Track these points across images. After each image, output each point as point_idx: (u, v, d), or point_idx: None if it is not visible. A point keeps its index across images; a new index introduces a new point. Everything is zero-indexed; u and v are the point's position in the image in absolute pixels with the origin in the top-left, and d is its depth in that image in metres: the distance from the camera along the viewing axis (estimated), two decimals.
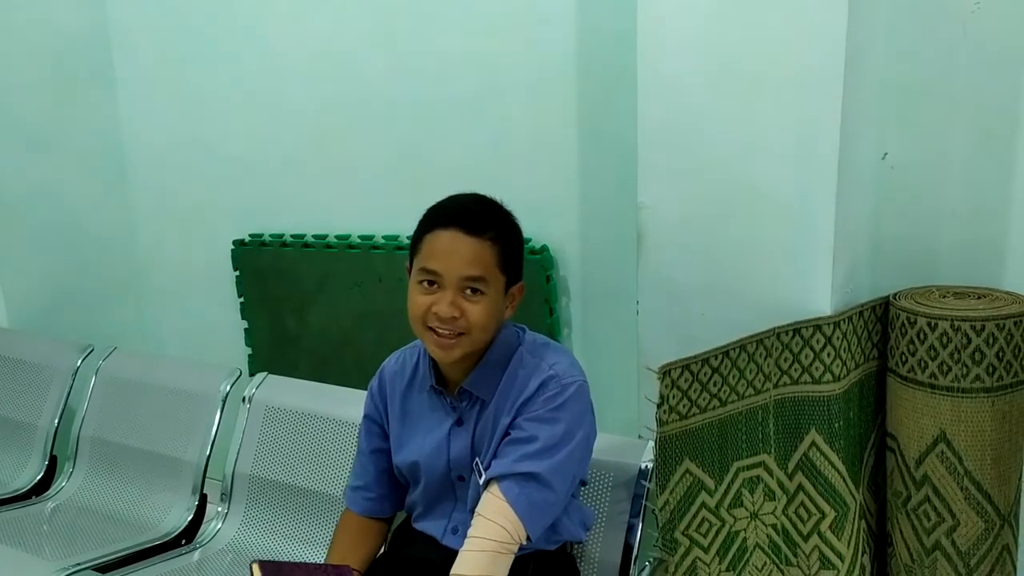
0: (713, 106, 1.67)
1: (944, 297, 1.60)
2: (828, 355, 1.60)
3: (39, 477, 2.48)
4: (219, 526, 2.18)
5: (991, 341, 1.49)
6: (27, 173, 2.88)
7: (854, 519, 1.63)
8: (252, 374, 2.56)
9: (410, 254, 1.47)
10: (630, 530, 1.75)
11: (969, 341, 1.49)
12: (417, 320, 1.41)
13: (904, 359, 1.57)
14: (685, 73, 1.68)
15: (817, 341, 1.61)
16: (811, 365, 1.62)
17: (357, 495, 1.64)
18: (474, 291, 1.39)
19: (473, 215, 1.41)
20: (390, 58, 2.50)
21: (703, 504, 1.69)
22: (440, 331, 1.39)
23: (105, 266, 3.11)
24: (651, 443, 1.74)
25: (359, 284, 2.64)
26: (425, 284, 1.40)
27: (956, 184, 1.70)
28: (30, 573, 1.97)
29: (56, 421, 2.52)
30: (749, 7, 1.59)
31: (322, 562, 1.59)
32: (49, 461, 2.50)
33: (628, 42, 1.79)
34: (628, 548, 1.73)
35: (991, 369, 1.50)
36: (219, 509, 2.20)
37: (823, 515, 1.64)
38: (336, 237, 2.70)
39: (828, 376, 1.61)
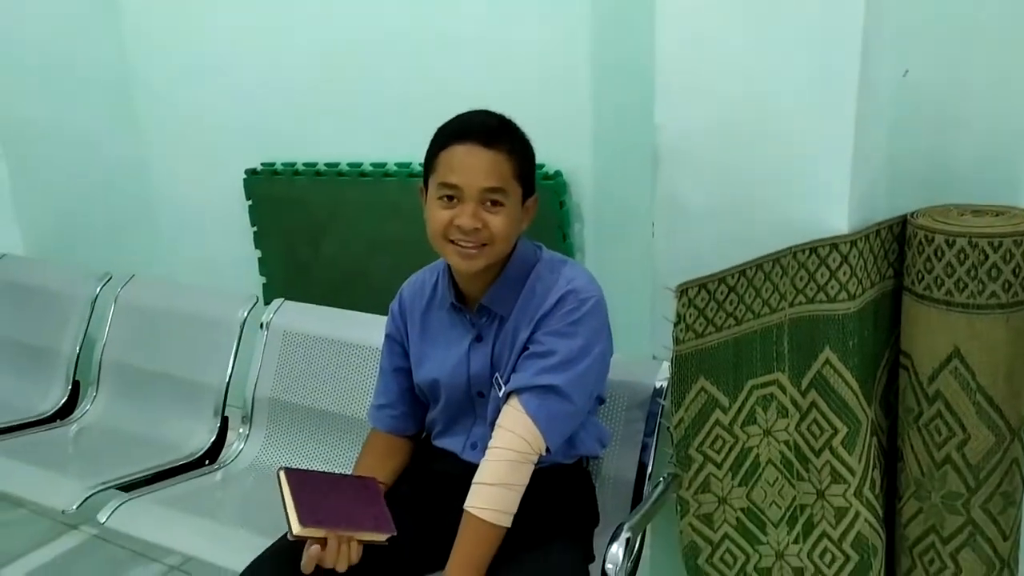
0: (732, 24, 1.64)
1: (962, 215, 1.60)
2: (844, 273, 1.60)
3: (63, 401, 2.52)
4: (241, 447, 2.22)
5: (1008, 258, 1.49)
6: (38, 103, 2.86)
7: (866, 435, 1.65)
8: (267, 303, 2.58)
9: (424, 174, 1.47)
10: (644, 448, 1.78)
11: (987, 258, 1.50)
12: (438, 235, 1.42)
13: (920, 277, 1.58)
14: None
15: (833, 260, 1.61)
16: (827, 284, 1.62)
17: (382, 413, 1.67)
18: (494, 203, 1.40)
19: (489, 128, 1.42)
20: None
21: (717, 421, 1.72)
22: (462, 243, 1.40)
23: (118, 196, 3.12)
24: (666, 363, 1.76)
25: (372, 212, 2.64)
26: (445, 199, 1.41)
27: (976, 102, 1.68)
28: (57, 492, 2.01)
29: (77, 347, 2.55)
30: None
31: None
32: (72, 386, 2.54)
33: None
34: (642, 466, 1.77)
35: (1007, 285, 1.50)
36: (241, 431, 2.25)
37: (835, 431, 1.66)
38: (348, 165, 2.70)
39: (843, 295, 1.61)
